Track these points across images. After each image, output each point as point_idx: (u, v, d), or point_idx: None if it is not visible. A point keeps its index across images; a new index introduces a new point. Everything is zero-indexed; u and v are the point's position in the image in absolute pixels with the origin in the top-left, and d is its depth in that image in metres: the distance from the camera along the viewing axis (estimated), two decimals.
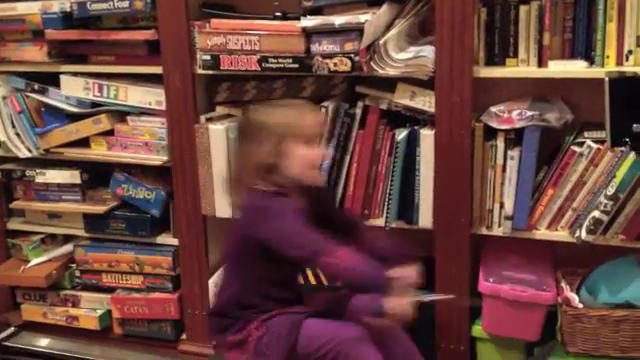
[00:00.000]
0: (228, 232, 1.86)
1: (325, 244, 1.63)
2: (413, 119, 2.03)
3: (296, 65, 1.98)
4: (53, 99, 2.37)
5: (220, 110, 2.22)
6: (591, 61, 1.86)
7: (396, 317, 1.61)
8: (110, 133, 2.32)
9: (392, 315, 1.61)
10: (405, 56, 1.92)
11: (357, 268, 1.63)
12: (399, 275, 1.68)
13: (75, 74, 2.32)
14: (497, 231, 1.97)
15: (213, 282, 2.26)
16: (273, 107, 1.80)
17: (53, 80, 2.35)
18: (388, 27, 1.97)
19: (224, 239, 1.90)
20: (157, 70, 2.19)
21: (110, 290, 2.46)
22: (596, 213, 1.83)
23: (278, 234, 1.66)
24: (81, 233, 2.46)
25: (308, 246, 1.64)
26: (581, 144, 1.87)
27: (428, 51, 1.90)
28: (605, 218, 1.83)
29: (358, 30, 1.89)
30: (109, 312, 2.47)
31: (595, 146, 1.85)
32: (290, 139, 1.70)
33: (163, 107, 2.22)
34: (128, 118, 2.31)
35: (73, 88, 2.32)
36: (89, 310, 2.49)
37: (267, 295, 1.77)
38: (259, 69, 2.01)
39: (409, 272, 1.72)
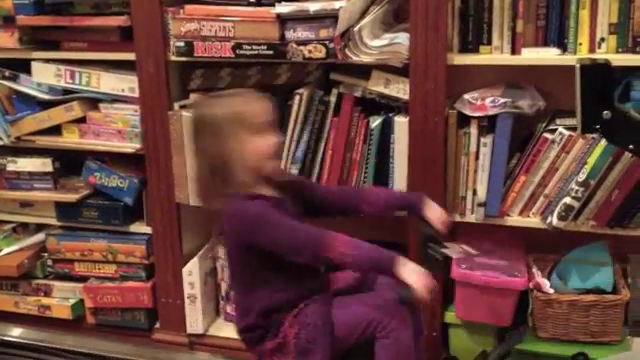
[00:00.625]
0: (225, 247, 1.82)
1: (321, 238, 1.59)
2: (387, 106, 2.03)
3: (270, 52, 1.97)
4: (24, 86, 2.35)
5: (194, 97, 2.20)
6: (564, 48, 1.87)
7: (425, 291, 1.54)
8: (82, 120, 2.30)
9: (421, 291, 1.54)
10: (380, 43, 1.92)
11: (362, 253, 1.59)
12: (431, 216, 1.72)
13: (47, 61, 2.29)
14: (470, 218, 1.99)
15: (187, 270, 2.26)
16: (218, 99, 1.75)
17: (24, 67, 2.32)
18: (363, 14, 1.97)
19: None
20: (130, 57, 2.17)
21: (83, 279, 2.44)
22: (567, 199, 1.85)
23: (275, 244, 1.61)
24: (53, 222, 2.44)
25: (307, 249, 1.59)
26: (553, 131, 1.89)
27: (403, 38, 1.91)
28: (576, 204, 1.85)
29: (333, 17, 1.88)
30: (82, 301, 2.45)
31: (567, 133, 1.87)
32: (240, 130, 1.63)
33: (136, 94, 2.20)
34: (100, 105, 2.28)
35: (44, 75, 2.29)
36: (61, 299, 2.47)
37: (289, 292, 1.69)
38: (233, 56, 2.00)
39: (436, 211, 1.74)
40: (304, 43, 1.93)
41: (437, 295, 2.01)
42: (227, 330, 2.32)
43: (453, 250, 1.72)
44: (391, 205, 1.84)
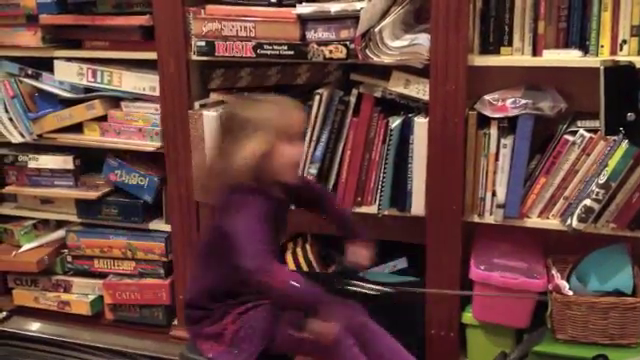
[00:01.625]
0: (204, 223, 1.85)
1: (265, 262, 1.59)
2: (407, 107, 2.04)
3: (291, 52, 1.98)
4: (46, 84, 2.37)
5: (214, 97, 2.21)
6: (585, 50, 1.87)
7: (317, 336, 1.60)
8: (103, 119, 2.32)
9: (314, 334, 1.60)
10: (400, 44, 1.92)
11: (294, 290, 1.60)
12: (354, 253, 1.82)
13: (69, 59, 2.31)
14: (489, 219, 1.99)
15: None
16: (257, 102, 1.74)
17: (47, 65, 2.34)
18: (384, 15, 1.97)
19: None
20: (151, 56, 2.18)
21: (102, 276, 2.46)
22: (588, 201, 1.85)
23: (236, 234, 1.62)
24: (73, 219, 2.46)
25: (251, 261, 1.58)
26: (574, 133, 1.88)
27: (423, 39, 1.91)
28: (596, 206, 1.84)
29: (354, 17, 1.89)
30: (101, 298, 2.47)
31: (588, 135, 1.86)
32: (273, 136, 1.64)
33: (157, 93, 2.22)
34: (122, 104, 2.31)
35: (67, 73, 2.31)
36: (81, 295, 2.50)
37: (241, 286, 1.70)
38: (254, 56, 2.01)
39: (363, 251, 1.83)
40: (325, 43, 1.94)
41: (455, 296, 2.01)
42: None
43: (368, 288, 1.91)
44: (334, 222, 1.93)
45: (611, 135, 1.68)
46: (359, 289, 1.95)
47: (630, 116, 1.50)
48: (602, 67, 1.51)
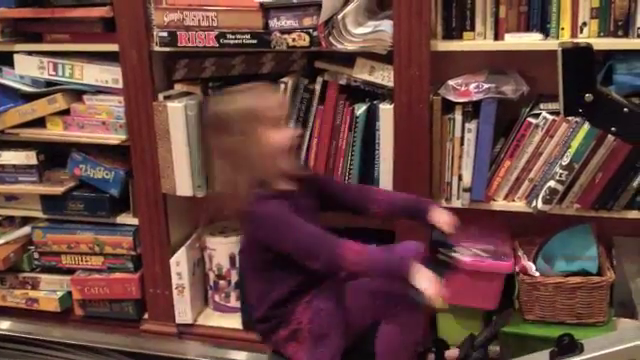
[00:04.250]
0: (242, 243, 1.84)
1: (334, 248, 1.59)
2: (372, 94, 2.04)
3: (254, 41, 1.96)
4: (7, 79, 2.33)
5: (178, 88, 2.19)
6: (546, 33, 1.89)
7: (435, 297, 1.56)
8: (66, 113, 2.28)
9: (431, 297, 1.55)
10: (363, 31, 1.92)
11: (375, 262, 1.59)
12: (438, 220, 1.73)
13: (29, 53, 2.27)
14: (456, 203, 2.00)
15: (175, 261, 2.26)
16: (231, 95, 1.74)
17: (7, 59, 2.30)
18: (346, 1, 1.97)
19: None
20: (113, 48, 2.15)
21: (70, 271, 2.43)
22: (552, 183, 1.87)
23: (289, 247, 1.62)
24: (39, 215, 2.42)
25: (320, 259, 1.59)
26: (537, 116, 1.90)
27: (386, 25, 1.91)
28: (560, 188, 1.87)
29: (316, 5, 1.88)
30: (69, 294, 2.44)
31: (550, 117, 1.88)
32: (256, 125, 1.64)
33: (120, 85, 2.19)
34: (84, 97, 2.27)
35: (27, 67, 2.27)
36: (49, 292, 2.46)
37: (299, 281, 1.70)
38: (217, 45, 1.99)
39: (442, 214, 1.75)
40: (288, 32, 1.93)
41: None
42: (216, 319, 2.34)
43: (463, 253, 1.74)
44: (396, 206, 1.83)
45: (570, 116, 1.70)
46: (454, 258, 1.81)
47: (588, 97, 1.52)
48: (560, 49, 1.53)
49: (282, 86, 2.01)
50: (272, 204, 1.64)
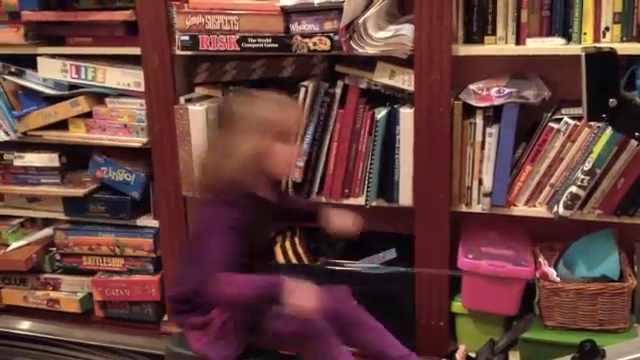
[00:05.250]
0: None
1: (216, 275, 1.62)
2: (393, 98, 2.04)
3: (275, 45, 1.97)
4: (30, 82, 2.35)
5: (199, 91, 2.21)
6: (568, 38, 1.88)
7: (303, 309, 1.59)
8: (88, 115, 2.30)
9: (299, 308, 1.59)
10: (384, 35, 1.92)
11: (244, 284, 1.64)
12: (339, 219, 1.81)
13: (52, 56, 2.29)
14: (476, 208, 2.00)
15: None
16: (255, 99, 1.75)
17: (30, 62, 2.32)
18: (367, 6, 1.97)
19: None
20: (135, 51, 2.17)
21: (91, 273, 2.45)
22: (573, 188, 1.86)
23: (205, 256, 1.67)
24: (61, 216, 2.45)
25: (205, 281, 1.64)
26: (558, 120, 1.90)
27: (407, 30, 1.91)
28: (582, 193, 1.86)
29: (337, 9, 1.89)
30: (90, 295, 2.46)
31: (572, 122, 1.87)
32: (269, 135, 1.66)
33: (142, 88, 2.20)
34: (106, 100, 2.29)
35: (50, 70, 2.29)
36: (70, 293, 2.48)
37: None
38: (238, 49, 2.00)
39: (346, 217, 1.84)
40: (309, 36, 1.93)
41: (444, 285, 2.02)
42: None
43: None
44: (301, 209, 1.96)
45: (594, 121, 1.69)
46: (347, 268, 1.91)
47: (612, 102, 1.51)
48: (584, 54, 1.52)
49: (303, 90, 2.02)
50: (226, 209, 1.68)
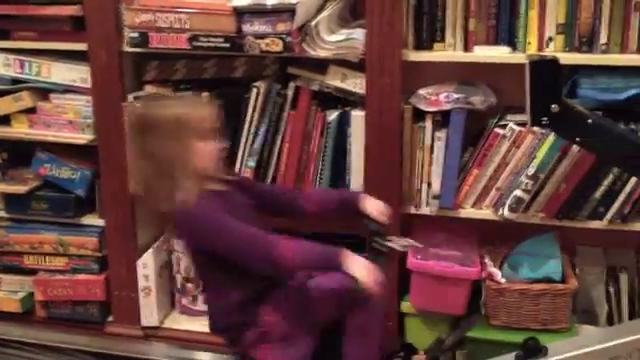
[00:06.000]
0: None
1: (267, 247, 1.59)
2: (344, 100, 2.06)
3: (227, 45, 1.97)
4: None
5: (149, 89, 2.18)
6: (514, 47, 1.93)
7: (372, 283, 1.57)
8: (32, 111, 2.25)
9: (368, 284, 1.57)
10: (336, 38, 1.94)
11: (309, 255, 1.62)
12: (370, 210, 1.76)
13: None
14: (425, 210, 2.04)
15: (142, 263, 2.24)
16: (164, 100, 1.76)
17: None
18: (320, 9, 1.98)
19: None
20: (82, 47, 2.13)
21: (32, 272, 2.39)
22: (518, 192, 1.92)
23: (228, 249, 1.62)
24: (1, 214, 2.38)
25: (255, 260, 1.60)
26: (504, 126, 1.95)
27: (359, 34, 1.94)
28: (526, 197, 1.92)
29: (290, 11, 1.90)
30: (31, 295, 2.40)
31: (517, 128, 1.93)
32: (184, 134, 1.64)
33: (88, 85, 2.16)
34: (51, 96, 2.24)
35: None
36: (10, 293, 2.41)
37: (255, 281, 1.70)
38: (189, 48, 1.99)
39: (374, 204, 1.79)
40: (261, 36, 1.94)
41: (393, 285, 2.05)
42: (183, 323, 2.33)
43: (397, 243, 1.76)
44: (329, 201, 1.87)
45: (537, 126, 1.73)
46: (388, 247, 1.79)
47: (554, 107, 1.56)
48: (528, 60, 1.57)
49: (255, 90, 2.02)
50: (199, 205, 1.63)
